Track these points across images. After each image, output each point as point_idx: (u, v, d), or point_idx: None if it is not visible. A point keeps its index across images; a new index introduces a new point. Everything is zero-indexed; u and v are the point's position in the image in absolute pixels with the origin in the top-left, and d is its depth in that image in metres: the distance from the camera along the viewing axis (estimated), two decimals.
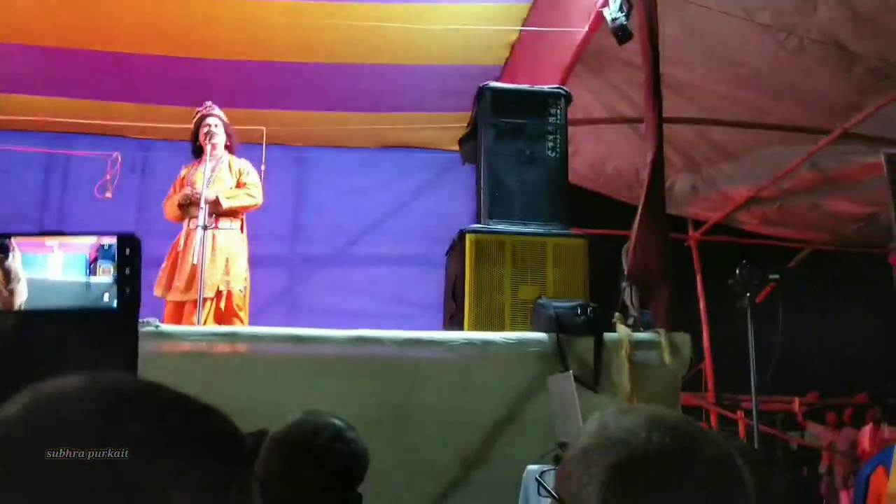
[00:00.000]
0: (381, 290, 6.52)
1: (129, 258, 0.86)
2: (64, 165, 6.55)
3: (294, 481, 1.34)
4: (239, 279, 4.47)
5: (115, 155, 5.66)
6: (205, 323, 4.08)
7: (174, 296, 4.39)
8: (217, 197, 4.43)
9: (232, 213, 4.56)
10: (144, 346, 3.26)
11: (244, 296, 4.54)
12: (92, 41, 5.66)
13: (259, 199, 4.69)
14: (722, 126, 6.15)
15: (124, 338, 0.80)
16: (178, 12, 5.33)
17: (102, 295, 0.84)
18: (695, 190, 6.96)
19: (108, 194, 5.54)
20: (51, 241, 0.86)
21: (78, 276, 0.84)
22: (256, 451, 1.51)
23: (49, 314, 0.80)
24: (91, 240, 0.86)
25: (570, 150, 6.18)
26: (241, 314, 4.45)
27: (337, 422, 1.42)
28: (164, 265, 4.60)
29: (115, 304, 0.84)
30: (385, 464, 3.29)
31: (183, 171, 4.78)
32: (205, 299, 4.19)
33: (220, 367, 3.25)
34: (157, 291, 4.53)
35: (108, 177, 5.58)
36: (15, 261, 0.83)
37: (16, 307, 0.78)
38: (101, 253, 0.85)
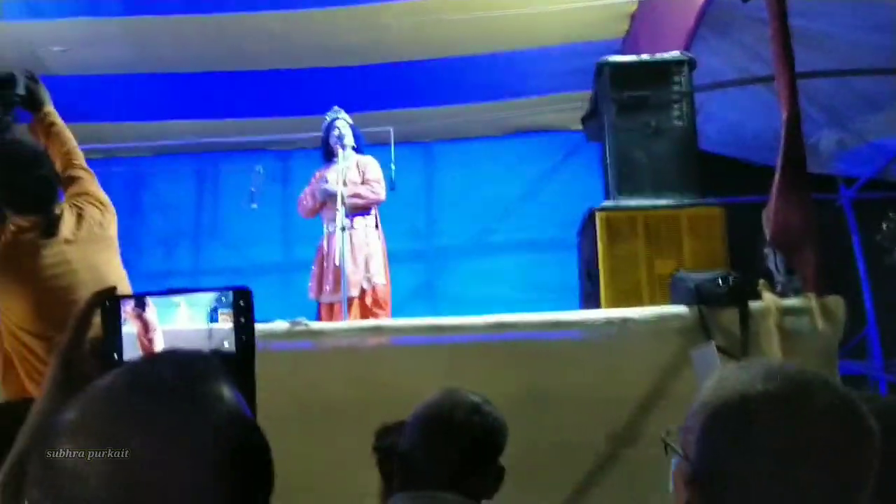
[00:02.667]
0: (518, 275, 6.56)
1: (243, 308, 0.96)
2: (213, 183, 7.02)
3: (436, 454, 1.42)
4: (379, 275, 4.64)
5: (257, 168, 5.99)
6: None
7: (325, 297, 4.62)
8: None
9: (361, 209, 4.71)
10: (298, 345, 3.47)
11: (386, 290, 4.71)
12: (224, 64, 6.04)
13: (381, 195, 4.82)
14: (865, 75, 5.74)
15: (244, 379, 0.90)
16: (301, 27, 5.59)
17: (223, 341, 0.95)
18: (842, 144, 6.54)
19: (255, 205, 5.88)
20: (177, 298, 0.98)
21: (201, 324, 0.95)
22: (390, 435, 1.61)
23: None
24: (211, 294, 0.97)
25: (701, 117, 5.98)
26: (385, 308, 4.62)
27: (474, 397, 1.50)
28: (313, 269, 4.84)
29: (233, 349, 0.94)
30: (532, 443, 3.35)
31: (317, 174, 5.00)
32: (351, 298, 4.39)
33: (368, 360, 3.40)
34: (311, 294, 4.79)
35: (253, 189, 5.91)
36: (151, 313, 0.94)
37: None
38: (220, 303, 0.96)
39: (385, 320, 4.25)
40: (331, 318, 4.47)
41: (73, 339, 0.94)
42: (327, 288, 4.59)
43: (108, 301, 0.96)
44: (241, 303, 0.96)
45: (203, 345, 0.94)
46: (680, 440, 0.89)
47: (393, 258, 5.08)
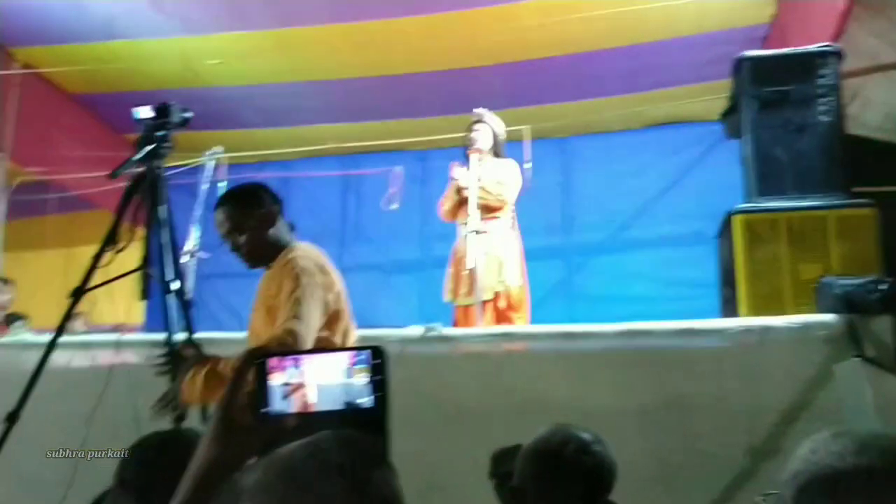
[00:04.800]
0: (658, 272, 6.40)
1: (378, 366, 1.04)
2: (356, 183, 7.29)
3: (544, 491, 1.45)
4: (514, 278, 4.59)
5: (397, 169, 6.17)
6: (487, 324, 4.30)
7: (460, 300, 4.63)
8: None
9: (488, 209, 4.60)
10: (432, 350, 3.58)
11: (522, 293, 4.66)
12: (370, 69, 6.26)
13: (504, 196, 4.67)
14: None
15: (381, 431, 1.01)
16: (442, 30, 5.70)
17: (360, 396, 1.04)
18: None
19: (395, 205, 6.06)
20: (319, 356, 1.08)
21: (341, 380, 1.05)
22: (506, 461, 1.65)
23: (326, 413, 1.03)
24: (348, 353, 1.05)
25: (860, 102, 5.57)
26: (520, 311, 4.59)
27: (584, 435, 1.51)
28: (449, 270, 4.82)
29: (371, 404, 1.03)
30: (668, 452, 3.29)
31: (454, 174, 4.88)
32: (485, 301, 4.40)
33: (499, 366, 3.46)
34: (446, 296, 4.74)
35: (393, 190, 6.09)
36: (303, 367, 1.05)
37: (307, 407, 1.03)
38: (357, 360, 1.04)
39: (516, 326, 4.26)
40: (466, 320, 4.50)
41: (231, 393, 1.05)
42: (462, 291, 4.60)
43: (259, 359, 1.07)
44: (376, 361, 1.04)
45: (341, 398, 1.04)
46: None
47: (530, 256, 5.05)
